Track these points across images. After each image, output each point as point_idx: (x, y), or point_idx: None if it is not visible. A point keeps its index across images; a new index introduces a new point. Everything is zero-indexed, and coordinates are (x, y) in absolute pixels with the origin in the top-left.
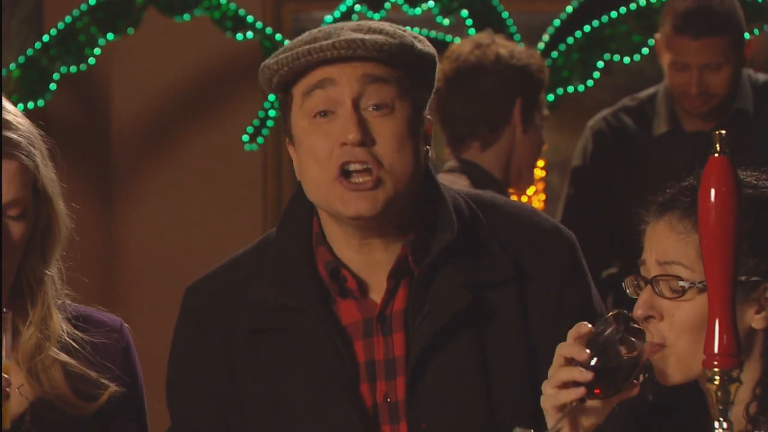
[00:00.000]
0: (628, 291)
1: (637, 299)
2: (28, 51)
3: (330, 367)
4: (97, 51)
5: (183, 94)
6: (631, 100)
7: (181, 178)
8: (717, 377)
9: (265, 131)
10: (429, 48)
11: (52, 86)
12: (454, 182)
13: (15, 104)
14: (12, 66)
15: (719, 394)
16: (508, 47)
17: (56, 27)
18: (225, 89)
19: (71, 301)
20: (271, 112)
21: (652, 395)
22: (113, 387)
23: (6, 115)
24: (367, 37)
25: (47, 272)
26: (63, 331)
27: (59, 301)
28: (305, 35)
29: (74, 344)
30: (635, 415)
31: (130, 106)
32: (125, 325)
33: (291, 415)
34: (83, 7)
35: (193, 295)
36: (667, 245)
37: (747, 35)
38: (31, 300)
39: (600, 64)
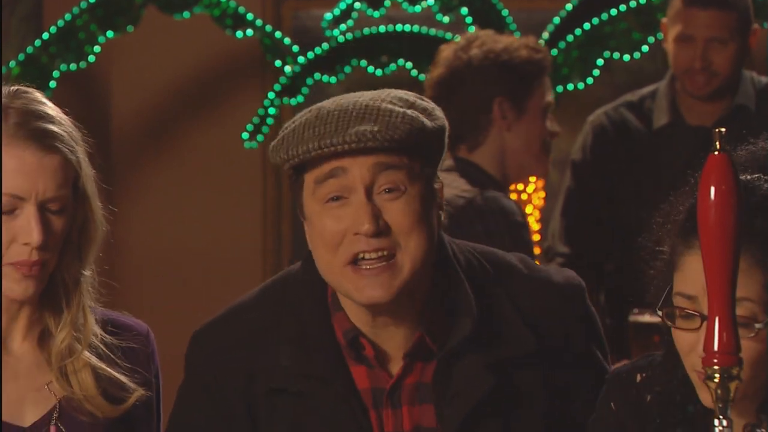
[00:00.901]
0: (667, 322)
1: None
2: (28, 49)
3: None
4: (96, 49)
5: (183, 91)
6: (632, 95)
7: (181, 176)
8: (717, 375)
9: (265, 129)
10: (440, 121)
11: (52, 84)
12: (451, 182)
13: None
14: (12, 63)
15: (719, 392)
16: (487, 45)
17: (56, 25)
18: (225, 87)
19: (101, 305)
20: (271, 110)
21: (651, 396)
22: (141, 391)
23: (48, 110)
24: (377, 128)
25: (84, 273)
26: (95, 334)
27: (92, 305)
28: (312, 117)
29: (104, 348)
30: (635, 416)
31: (130, 104)
32: (151, 330)
33: None
34: (83, 4)
35: (203, 346)
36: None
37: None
38: (66, 301)
39: (600, 61)
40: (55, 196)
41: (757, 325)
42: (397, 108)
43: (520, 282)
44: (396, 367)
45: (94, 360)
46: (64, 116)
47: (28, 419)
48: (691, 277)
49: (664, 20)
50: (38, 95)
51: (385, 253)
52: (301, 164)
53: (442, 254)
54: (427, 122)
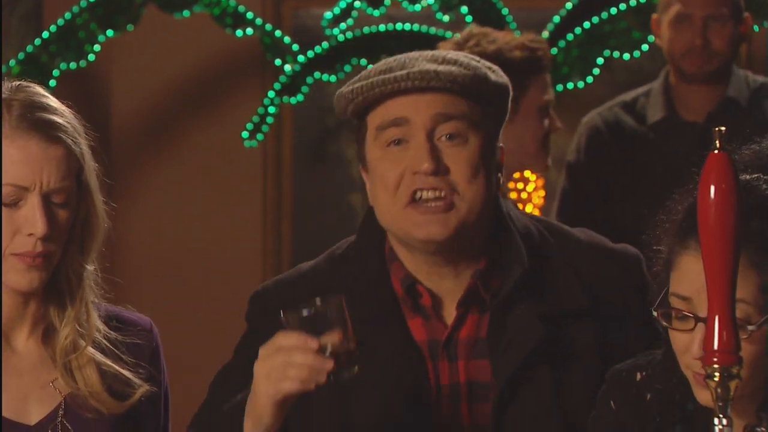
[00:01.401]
0: (663, 322)
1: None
2: (27, 48)
3: (404, 384)
4: (96, 47)
5: (183, 90)
6: (627, 95)
7: (181, 175)
8: (717, 374)
9: (264, 128)
10: (503, 79)
11: (52, 83)
12: None
13: None
14: (12, 62)
15: (719, 390)
16: (480, 47)
17: (56, 24)
18: (225, 86)
19: (104, 301)
20: (271, 109)
21: (651, 395)
22: (146, 386)
23: (51, 102)
24: (441, 68)
25: (86, 267)
26: (99, 330)
27: (96, 301)
28: (380, 64)
29: (108, 343)
30: (635, 414)
31: (130, 103)
32: (154, 325)
33: (357, 420)
34: (83, 3)
35: (262, 297)
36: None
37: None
38: (70, 296)
39: (600, 60)
40: (59, 187)
41: (750, 327)
42: (462, 58)
43: (578, 248)
44: (451, 317)
45: (99, 356)
46: (66, 109)
47: (34, 417)
48: (687, 277)
49: (654, 16)
50: (40, 89)
51: (443, 194)
52: (364, 108)
53: (498, 213)
54: (491, 75)
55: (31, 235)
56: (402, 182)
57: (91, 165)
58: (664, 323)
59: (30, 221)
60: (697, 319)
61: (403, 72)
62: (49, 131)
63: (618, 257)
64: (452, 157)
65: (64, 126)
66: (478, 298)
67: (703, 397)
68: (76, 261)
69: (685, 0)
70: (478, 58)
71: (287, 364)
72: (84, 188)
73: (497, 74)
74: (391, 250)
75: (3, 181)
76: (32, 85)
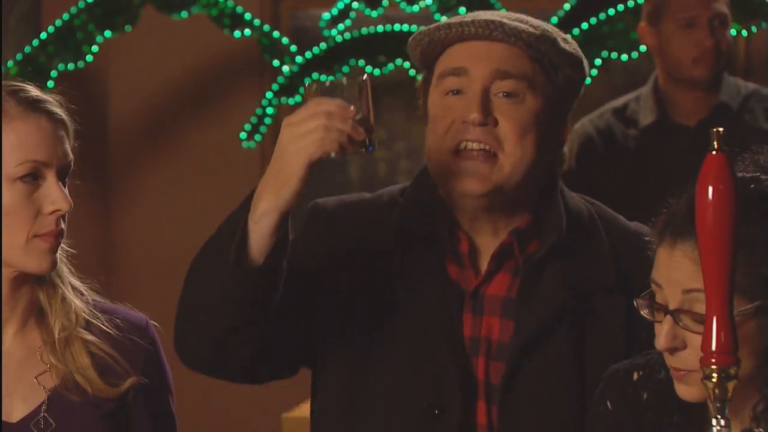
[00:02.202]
0: (642, 312)
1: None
2: (25, 48)
3: (440, 322)
4: (94, 48)
5: (181, 91)
6: (617, 101)
7: (179, 176)
8: (714, 375)
9: (262, 128)
10: (574, 50)
11: (50, 84)
12: None
13: None
14: (9, 63)
15: (717, 391)
16: None
17: (54, 24)
18: (223, 87)
19: (99, 298)
20: (269, 110)
21: (648, 395)
22: (135, 378)
23: (47, 95)
24: (508, 22)
25: (58, 253)
26: (85, 313)
27: (84, 297)
28: (452, 18)
29: (98, 338)
30: (632, 414)
31: (128, 104)
32: (151, 322)
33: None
34: (81, 4)
35: (322, 205)
36: (687, 275)
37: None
38: (59, 277)
39: (597, 61)
40: (68, 163)
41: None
42: (536, 21)
43: (623, 234)
44: (482, 270)
45: (89, 336)
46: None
47: (16, 415)
48: (659, 266)
49: (642, 24)
50: (36, 88)
51: (488, 148)
52: (430, 52)
53: (550, 187)
54: (560, 41)
55: (53, 212)
56: (450, 130)
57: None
58: (643, 312)
59: (51, 198)
60: (665, 311)
61: (470, 19)
62: (52, 112)
63: (640, 238)
64: (504, 113)
65: (59, 109)
66: (512, 256)
67: (682, 391)
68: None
69: (687, 5)
70: (555, 29)
71: (328, 127)
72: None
73: (570, 45)
74: (440, 198)
75: (22, 159)
76: (28, 84)
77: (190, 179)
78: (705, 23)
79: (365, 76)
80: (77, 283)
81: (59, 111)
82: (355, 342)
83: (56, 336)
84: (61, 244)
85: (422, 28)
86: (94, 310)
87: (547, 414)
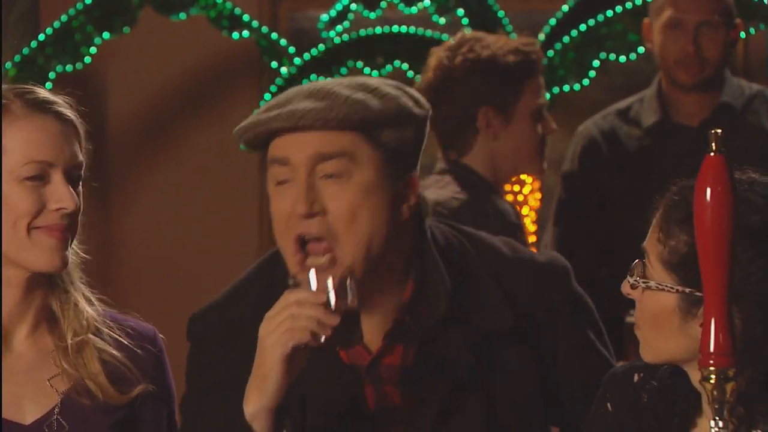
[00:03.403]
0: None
1: None
2: (24, 50)
3: (339, 406)
4: (93, 50)
5: (179, 93)
6: (621, 102)
7: (178, 177)
8: (713, 376)
9: None
10: (395, 104)
11: (48, 85)
12: (446, 184)
13: None
14: (8, 65)
15: (715, 393)
16: (474, 53)
17: (52, 26)
18: (221, 88)
19: (106, 307)
20: None
21: (648, 397)
22: (144, 385)
23: (55, 96)
24: (313, 106)
25: (72, 258)
26: (96, 320)
27: (88, 296)
28: (271, 101)
29: (110, 338)
30: (633, 416)
31: (127, 105)
32: (159, 334)
33: None
34: (79, 5)
35: (201, 321)
36: (650, 238)
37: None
38: (71, 282)
39: (596, 63)
40: (78, 163)
41: (633, 280)
42: (341, 90)
43: (502, 261)
44: (375, 345)
45: (100, 343)
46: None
47: (29, 417)
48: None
49: (646, 20)
50: (45, 90)
51: (324, 239)
52: (254, 144)
53: (420, 239)
54: (375, 104)
55: (58, 210)
56: (288, 223)
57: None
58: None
59: (56, 196)
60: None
61: (276, 113)
62: (60, 112)
63: (544, 268)
64: (332, 196)
65: (69, 109)
66: (407, 330)
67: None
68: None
69: (677, 5)
70: (374, 85)
71: (296, 315)
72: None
73: (388, 100)
74: None
75: (28, 159)
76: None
77: (188, 180)
78: (691, 28)
79: (349, 280)
80: (88, 293)
81: (68, 112)
82: None
83: (69, 342)
84: (77, 250)
85: (244, 121)
86: (104, 318)
87: None
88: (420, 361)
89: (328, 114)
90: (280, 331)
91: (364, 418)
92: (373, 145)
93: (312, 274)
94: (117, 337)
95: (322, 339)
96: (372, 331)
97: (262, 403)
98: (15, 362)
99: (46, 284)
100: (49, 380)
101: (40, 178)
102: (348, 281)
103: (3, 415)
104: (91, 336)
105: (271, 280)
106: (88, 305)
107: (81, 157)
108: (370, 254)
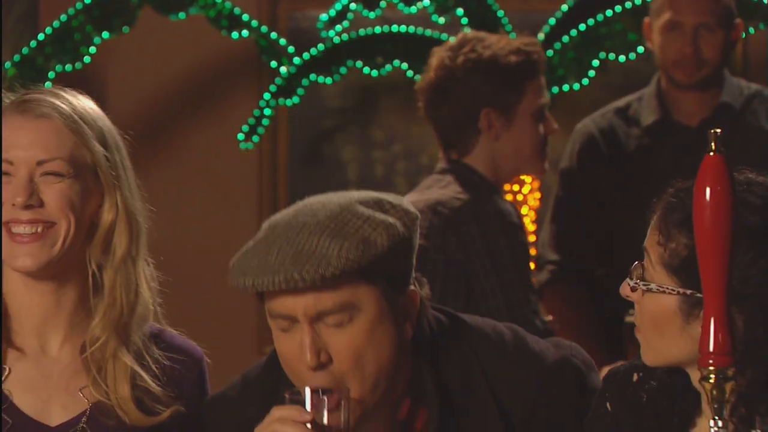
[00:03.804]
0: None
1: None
2: (23, 49)
3: None
4: (92, 49)
5: (178, 92)
6: (620, 101)
7: (177, 177)
8: (712, 376)
9: (260, 130)
10: (395, 234)
11: (48, 85)
12: (447, 184)
13: None
14: (7, 65)
15: (714, 392)
16: (475, 53)
17: (51, 25)
18: (220, 88)
19: (165, 324)
20: (267, 111)
21: (647, 396)
22: (176, 407)
23: (57, 91)
24: (305, 270)
25: (111, 260)
26: (138, 341)
27: (146, 313)
28: (260, 243)
29: (149, 359)
30: (632, 415)
31: (126, 105)
32: (205, 357)
33: None
34: (78, 5)
35: (213, 411)
36: (649, 240)
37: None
38: (101, 298)
39: (595, 62)
40: (48, 158)
41: (631, 282)
42: (335, 243)
43: (504, 365)
44: None
45: (135, 367)
46: (86, 102)
47: (55, 420)
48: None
49: (647, 20)
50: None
51: (332, 388)
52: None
53: (420, 344)
54: (378, 241)
55: (14, 205)
56: (299, 368)
57: (102, 155)
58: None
59: (14, 191)
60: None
61: (270, 278)
62: (37, 108)
63: (553, 375)
64: (335, 346)
65: (60, 107)
66: None
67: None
68: (99, 255)
69: (676, 7)
70: (368, 214)
71: None
72: (103, 182)
73: (390, 230)
74: None
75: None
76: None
77: (188, 180)
78: (689, 30)
79: (345, 402)
80: (149, 300)
81: (52, 111)
82: None
83: (96, 361)
84: (131, 273)
85: (235, 265)
86: (150, 335)
87: None
88: None
89: (325, 273)
90: None
91: None
92: (371, 283)
93: (307, 392)
94: (158, 356)
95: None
96: None
97: None
98: (50, 366)
99: (77, 291)
100: (80, 390)
101: (6, 174)
102: (343, 403)
103: (31, 415)
104: (125, 358)
105: (277, 384)
106: (131, 321)
107: (58, 154)
108: (377, 389)
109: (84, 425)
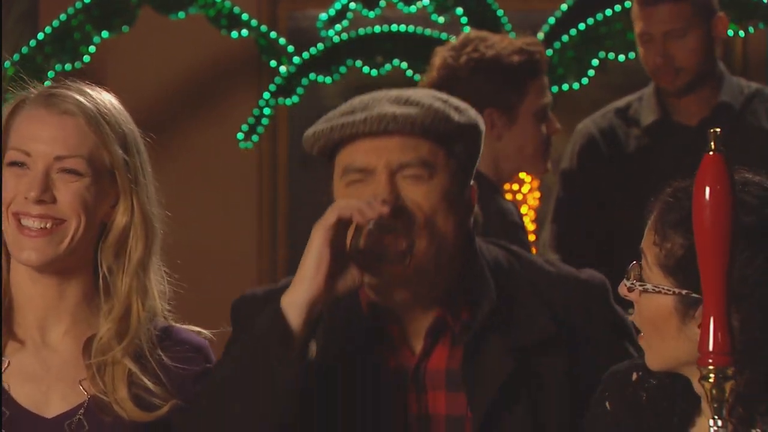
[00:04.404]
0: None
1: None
2: (23, 49)
3: (379, 411)
4: (92, 49)
5: (178, 92)
6: (620, 101)
7: (177, 176)
8: (712, 375)
9: (260, 129)
10: (469, 118)
11: (47, 84)
12: None
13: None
14: (7, 64)
15: (714, 392)
16: (478, 53)
17: (51, 25)
18: (220, 87)
19: (172, 319)
20: (266, 110)
21: (647, 396)
22: (175, 401)
23: (83, 88)
24: (400, 111)
25: (125, 265)
26: (140, 338)
27: (153, 316)
28: (346, 105)
29: (150, 357)
30: (631, 414)
31: (125, 104)
32: (209, 347)
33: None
34: (78, 5)
35: (239, 308)
36: (646, 240)
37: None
38: (106, 296)
39: (595, 61)
40: (67, 155)
41: (629, 283)
42: (425, 98)
43: (545, 276)
44: (418, 347)
45: (133, 366)
46: (108, 99)
47: (52, 411)
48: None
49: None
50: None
51: (400, 237)
52: (330, 147)
53: (470, 249)
54: (454, 115)
55: (27, 198)
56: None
57: (120, 157)
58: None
59: (29, 185)
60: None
61: (362, 116)
62: (62, 104)
63: (585, 284)
64: (411, 195)
65: (86, 105)
66: (447, 328)
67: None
68: (111, 258)
69: (644, 18)
70: (446, 97)
71: (343, 202)
72: (120, 184)
73: (464, 114)
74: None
75: (12, 147)
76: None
77: (187, 179)
78: (658, 40)
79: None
80: (158, 307)
81: (76, 108)
82: None
83: (97, 358)
84: (137, 273)
85: (314, 127)
86: (154, 332)
87: None
88: (466, 366)
89: (416, 120)
90: (327, 212)
91: (406, 423)
92: (448, 154)
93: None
94: (160, 355)
95: (364, 218)
96: (415, 331)
97: (296, 295)
98: (50, 356)
99: (82, 287)
100: (80, 381)
101: (21, 165)
102: (405, 243)
103: (28, 406)
104: (122, 352)
105: None
106: (132, 318)
107: (77, 151)
108: (439, 255)
109: (81, 417)
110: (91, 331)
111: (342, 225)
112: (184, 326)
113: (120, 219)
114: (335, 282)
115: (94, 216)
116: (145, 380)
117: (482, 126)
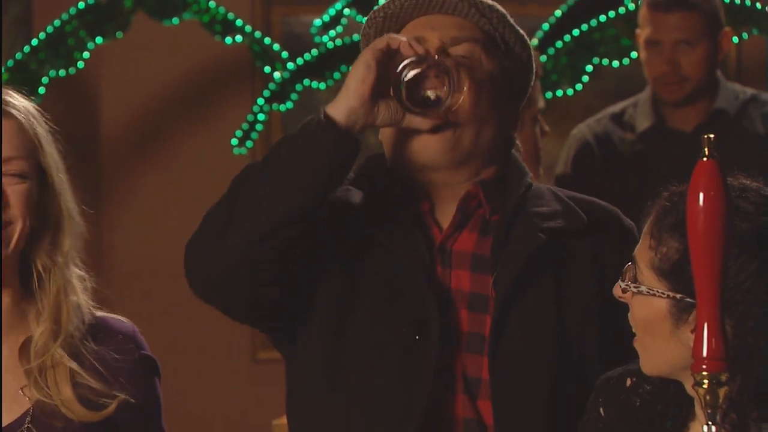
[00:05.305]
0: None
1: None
2: (16, 54)
3: (409, 281)
4: (86, 55)
5: (172, 97)
6: (615, 106)
7: (171, 182)
8: (705, 381)
9: (254, 135)
10: (522, 33)
11: (41, 90)
12: None
13: None
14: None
15: (708, 398)
16: None
17: (45, 30)
18: (214, 93)
19: (95, 308)
20: (260, 116)
21: (641, 401)
22: (122, 396)
23: (5, 94)
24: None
25: (63, 267)
26: (73, 336)
27: (82, 305)
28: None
29: (86, 353)
30: (625, 420)
31: (120, 110)
32: (138, 332)
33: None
34: (72, 10)
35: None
36: (641, 245)
37: (727, 29)
38: (44, 296)
39: (589, 68)
40: (10, 156)
41: (623, 284)
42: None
43: (571, 195)
44: (447, 223)
45: (73, 365)
46: (22, 97)
47: None
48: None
49: (638, 31)
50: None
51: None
52: (387, 29)
53: (510, 145)
54: (509, 18)
55: None
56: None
57: (53, 156)
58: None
59: None
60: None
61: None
62: (6, 110)
63: (603, 206)
64: (463, 62)
65: (16, 104)
66: (479, 206)
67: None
68: (45, 257)
69: (655, 24)
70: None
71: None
72: (48, 178)
73: (519, 29)
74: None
75: None
76: None
77: (181, 185)
78: (668, 47)
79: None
80: (82, 302)
81: (10, 103)
82: (338, 292)
83: (37, 361)
84: (68, 268)
85: (372, 13)
86: (91, 330)
87: (534, 360)
88: (496, 248)
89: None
90: (377, 39)
91: (429, 297)
92: (502, 48)
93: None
94: (93, 348)
95: (416, 60)
96: (446, 210)
97: (339, 101)
98: None
99: (12, 292)
100: (21, 389)
101: None
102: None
103: None
104: (63, 356)
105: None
106: (63, 314)
107: (19, 153)
108: (480, 126)
109: (29, 425)
110: (23, 336)
111: (390, 54)
112: (109, 315)
113: (52, 218)
114: (378, 107)
115: (33, 217)
116: (88, 378)
117: (533, 53)
